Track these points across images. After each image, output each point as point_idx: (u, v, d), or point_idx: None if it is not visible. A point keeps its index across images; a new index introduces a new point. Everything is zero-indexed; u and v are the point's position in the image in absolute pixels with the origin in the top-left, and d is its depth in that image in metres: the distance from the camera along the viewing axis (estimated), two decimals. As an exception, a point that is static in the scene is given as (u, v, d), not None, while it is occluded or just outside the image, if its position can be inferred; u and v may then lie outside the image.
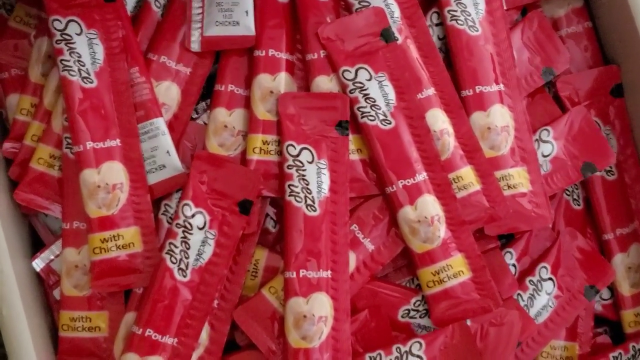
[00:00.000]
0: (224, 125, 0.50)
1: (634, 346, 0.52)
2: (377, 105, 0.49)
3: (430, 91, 0.50)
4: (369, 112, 0.49)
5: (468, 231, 0.49)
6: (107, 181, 0.48)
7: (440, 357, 0.47)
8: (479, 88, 0.51)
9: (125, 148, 0.48)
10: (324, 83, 0.50)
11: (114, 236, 0.48)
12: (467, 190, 0.49)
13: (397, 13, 0.51)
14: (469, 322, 0.48)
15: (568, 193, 0.54)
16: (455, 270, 0.48)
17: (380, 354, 0.47)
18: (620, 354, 0.52)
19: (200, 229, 0.47)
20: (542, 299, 0.51)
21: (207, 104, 0.52)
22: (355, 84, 0.49)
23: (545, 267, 0.52)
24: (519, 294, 0.51)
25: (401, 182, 0.48)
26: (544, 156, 0.53)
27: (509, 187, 0.50)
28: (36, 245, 0.53)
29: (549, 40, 0.55)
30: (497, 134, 0.50)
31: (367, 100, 0.49)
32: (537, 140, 0.53)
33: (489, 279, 0.48)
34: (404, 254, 0.50)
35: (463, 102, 0.51)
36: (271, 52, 0.50)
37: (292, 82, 0.50)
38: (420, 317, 0.49)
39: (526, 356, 0.51)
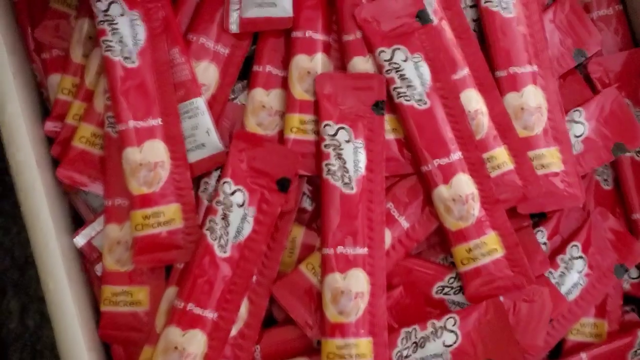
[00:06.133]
0: (262, 105, 0.51)
1: (661, 324, 0.53)
2: (413, 86, 0.50)
3: (464, 72, 0.51)
4: (404, 93, 0.50)
5: (501, 210, 0.50)
6: (149, 159, 0.48)
7: (473, 332, 0.48)
8: (512, 69, 0.51)
9: (167, 127, 0.49)
10: (361, 64, 0.50)
11: (155, 213, 0.48)
12: (500, 169, 0.50)
13: (432, -5, 0.51)
14: (501, 299, 0.49)
15: (598, 173, 0.55)
16: (489, 247, 0.49)
17: (415, 329, 0.48)
18: (648, 331, 0.53)
19: (240, 206, 0.48)
20: (572, 276, 0.52)
21: (244, 85, 0.53)
22: (392, 65, 0.50)
23: (576, 246, 0.52)
24: (550, 272, 0.52)
25: (436, 161, 0.49)
26: (576, 137, 0.53)
27: (541, 166, 0.51)
28: (76, 222, 0.54)
29: (581, 22, 0.55)
30: (530, 114, 0.51)
31: (403, 81, 0.50)
32: (569, 120, 0.53)
33: (521, 257, 0.49)
34: (438, 232, 0.51)
35: (497, 83, 0.52)
36: (308, 33, 0.51)
37: (329, 63, 0.51)
38: (454, 293, 0.50)
39: (557, 332, 0.52)
